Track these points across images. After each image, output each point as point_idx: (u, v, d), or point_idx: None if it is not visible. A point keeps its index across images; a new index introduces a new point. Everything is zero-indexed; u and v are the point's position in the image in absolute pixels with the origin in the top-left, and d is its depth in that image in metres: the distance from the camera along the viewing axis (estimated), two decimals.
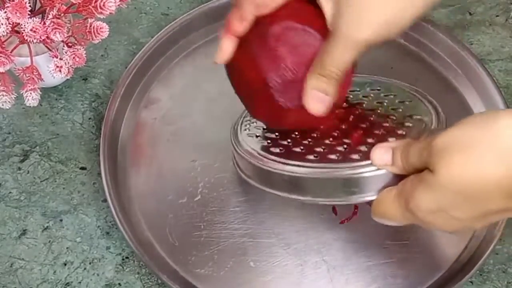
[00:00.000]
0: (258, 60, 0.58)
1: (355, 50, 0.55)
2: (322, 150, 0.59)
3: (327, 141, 0.60)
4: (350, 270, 0.66)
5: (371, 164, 0.55)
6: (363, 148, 0.57)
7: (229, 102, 0.73)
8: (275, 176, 0.59)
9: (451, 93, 0.76)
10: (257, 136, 0.63)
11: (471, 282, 0.66)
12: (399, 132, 0.58)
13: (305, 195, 0.59)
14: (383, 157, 0.55)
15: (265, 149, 0.61)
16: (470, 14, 0.83)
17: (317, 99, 0.56)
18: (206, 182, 0.71)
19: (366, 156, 0.55)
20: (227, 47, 0.59)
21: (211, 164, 0.72)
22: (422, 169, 0.51)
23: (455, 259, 0.66)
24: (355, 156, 0.57)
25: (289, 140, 0.61)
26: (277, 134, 0.62)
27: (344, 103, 0.62)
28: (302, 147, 0.60)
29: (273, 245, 0.67)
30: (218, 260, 0.66)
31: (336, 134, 0.60)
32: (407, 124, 0.59)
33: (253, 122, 0.65)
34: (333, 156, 0.58)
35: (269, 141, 0.62)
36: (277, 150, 0.60)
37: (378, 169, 0.55)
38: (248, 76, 0.59)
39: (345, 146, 0.58)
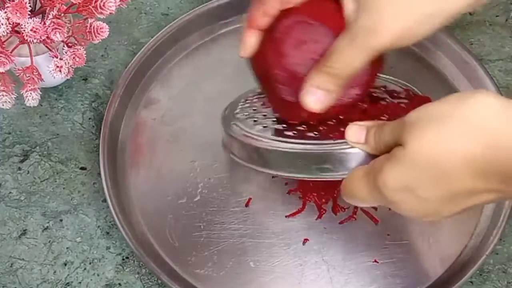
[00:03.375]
0: (266, 53, 0.58)
1: (366, 55, 0.54)
2: (302, 128, 0.60)
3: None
4: (350, 270, 0.66)
5: (345, 143, 0.55)
6: (342, 128, 0.57)
7: (228, 102, 0.73)
8: (256, 151, 0.61)
9: (451, 93, 0.76)
10: (245, 115, 0.65)
11: (471, 282, 0.66)
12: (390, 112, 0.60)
13: (277, 170, 0.60)
14: (357, 135, 0.54)
15: (250, 126, 0.63)
16: (470, 14, 0.83)
17: (315, 96, 0.56)
18: (205, 182, 0.71)
19: (342, 135, 0.56)
20: (250, 42, 0.60)
21: (210, 164, 0.72)
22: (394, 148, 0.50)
23: (455, 259, 0.66)
24: (332, 135, 0.58)
25: (274, 119, 0.63)
26: (264, 114, 0.64)
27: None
28: (284, 125, 0.61)
29: (273, 245, 0.67)
30: (218, 260, 0.66)
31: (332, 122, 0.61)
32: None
33: (247, 103, 0.67)
34: (311, 134, 0.59)
35: (255, 119, 0.64)
36: (260, 127, 0.62)
37: (352, 147, 0.55)
38: (258, 69, 0.60)
39: (324, 127, 0.59)
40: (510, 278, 0.66)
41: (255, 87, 0.67)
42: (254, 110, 0.66)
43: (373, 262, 0.66)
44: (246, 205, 0.69)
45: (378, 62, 0.58)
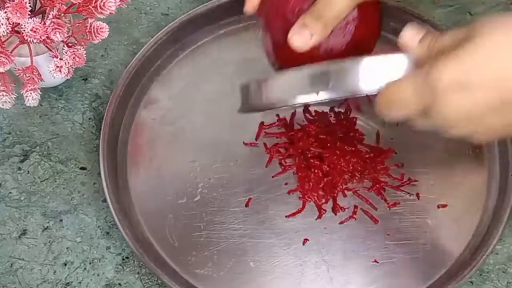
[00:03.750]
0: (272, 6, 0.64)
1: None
2: None
3: None
4: (350, 270, 0.66)
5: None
6: None
7: (228, 102, 0.73)
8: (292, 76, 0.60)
9: None
10: None
11: (471, 282, 0.66)
12: None
13: (322, 89, 0.57)
14: (414, 35, 0.53)
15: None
16: (470, 14, 0.83)
17: (299, 33, 0.60)
18: (205, 182, 0.71)
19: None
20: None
21: (210, 164, 0.72)
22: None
23: (455, 259, 0.66)
24: None
25: None
26: None
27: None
28: None
29: (273, 245, 0.67)
30: (218, 260, 0.66)
31: None
32: None
33: None
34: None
35: None
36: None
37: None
38: (274, 13, 0.64)
39: None
40: (510, 278, 0.66)
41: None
42: None
43: (373, 262, 0.66)
44: (246, 205, 0.69)
45: (371, 23, 0.63)
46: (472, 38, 0.47)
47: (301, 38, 0.60)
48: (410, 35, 0.54)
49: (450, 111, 0.48)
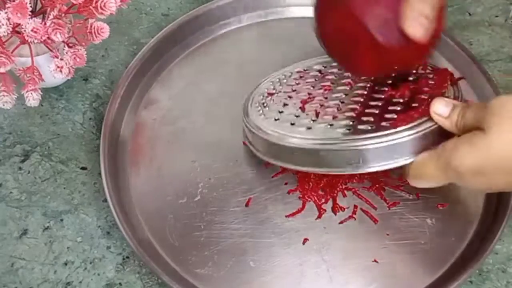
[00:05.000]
0: (352, 7, 0.58)
1: None
2: (352, 123, 0.62)
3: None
4: (350, 270, 0.66)
5: (408, 129, 0.59)
6: (388, 115, 0.61)
7: (229, 102, 0.74)
8: (297, 151, 0.63)
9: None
10: (276, 120, 0.66)
11: (471, 281, 0.66)
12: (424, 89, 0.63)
13: (324, 168, 0.62)
14: (443, 108, 0.58)
15: (291, 129, 0.64)
16: (469, 14, 0.83)
17: (418, 22, 0.57)
18: (205, 182, 0.71)
19: (398, 122, 0.59)
20: None
21: (210, 164, 0.72)
22: (470, 131, 0.54)
23: (454, 259, 0.66)
24: (385, 124, 0.60)
25: (313, 118, 0.65)
26: (297, 115, 0.66)
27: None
28: (330, 123, 0.63)
29: (273, 244, 0.67)
30: (218, 260, 0.66)
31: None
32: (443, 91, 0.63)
33: (264, 107, 0.69)
34: (363, 127, 0.61)
35: (292, 122, 0.65)
36: (305, 129, 0.64)
37: (411, 135, 0.58)
38: (344, 27, 0.60)
39: (371, 116, 0.62)
40: (509, 277, 0.67)
41: (264, 80, 0.69)
42: (281, 112, 0.67)
43: (373, 262, 0.66)
44: (246, 205, 0.69)
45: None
46: (486, 128, 0.53)
47: (419, 25, 0.57)
48: (440, 108, 0.58)
49: (472, 186, 0.57)
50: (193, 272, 0.66)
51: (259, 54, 0.78)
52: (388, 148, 0.59)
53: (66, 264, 0.67)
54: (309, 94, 0.68)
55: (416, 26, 0.57)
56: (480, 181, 0.55)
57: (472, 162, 0.54)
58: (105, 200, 0.69)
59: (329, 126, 0.63)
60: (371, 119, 0.62)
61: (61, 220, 0.70)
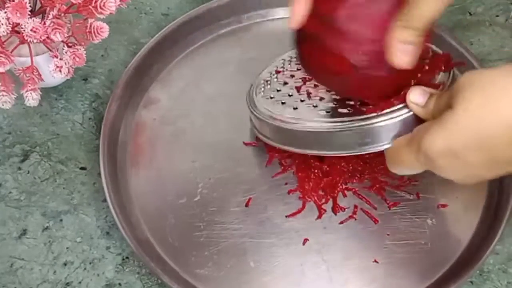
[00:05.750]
0: (337, 48, 0.57)
1: (443, 2, 0.54)
2: (333, 105, 0.62)
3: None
4: (350, 270, 0.66)
5: (382, 115, 0.58)
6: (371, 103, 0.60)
7: (229, 102, 0.74)
8: (291, 133, 0.63)
9: None
10: (271, 98, 0.67)
11: (471, 282, 0.66)
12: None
13: (320, 149, 0.63)
14: (419, 98, 0.57)
15: (281, 109, 0.65)
16: (470, 14, 0.83)
17: (404, 51, 0.56)
18: (205, 182, 0.71)
19: (377, 107, 0.59)
20: (299, 11, 0.58)
21: (210, 164, 0.72)
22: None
23: (455, 259, 0.66)
24: (365, 109, 0.60)
25: (302, 99, 0.65)
26: (290, 94, 0.66)
27: None
28: (314, 104, 0.63)
29: (273, 245, 0.67)
30: (218, 260, 0.66)
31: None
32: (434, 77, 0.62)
33: (268, 85, 0.69)
34: (344, 110, 0.61)
35: (283, 101, 0.66)
36: (291, 109, 0.64)
37: (391, 119, 0.58)
38: (333, 67, 0.58)
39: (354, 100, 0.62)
40: (510, 278, 0.66)
41: (267, 68, 0.70)
42: (279, 90, 0.67)
43: (373, 262, 0.66)
44: (246, 205, 0.69)
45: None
46: (454, 105, 0.51)
47: (405, 53, 0.56)
48: (416, 97, 0.57)
49: (446, 172, 0.54)
50: (193, 272, 0.66)
51: (259, 54, 0.77)
52: (362, 132, 0.59)
53: (65, 264, 0.67)
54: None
55: (402, 56, 0.56)
56: (454, 164, 0.52)
57: (442, 142, 0.51)
58: (105, 200, 0.69)
59: (312, 108, 0.63)
60: (352, 102, 0.62)
61: (61, 220, 0.70)
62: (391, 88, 0.60)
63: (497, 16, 0.83)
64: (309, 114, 0.63)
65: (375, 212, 0.68)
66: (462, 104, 0.50)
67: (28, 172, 0.72)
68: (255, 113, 0.67)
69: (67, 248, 0.68)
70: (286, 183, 0.70)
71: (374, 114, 0.59)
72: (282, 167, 0.70)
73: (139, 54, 0.76)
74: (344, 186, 0.69)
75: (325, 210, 0.68)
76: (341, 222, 0.68)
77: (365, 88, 0.60)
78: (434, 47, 0.65)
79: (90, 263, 0.67)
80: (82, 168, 0.73)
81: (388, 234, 0.67)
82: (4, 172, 0.72)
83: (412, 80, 0.61)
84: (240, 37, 0.81)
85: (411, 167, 0.57)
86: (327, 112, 0.62)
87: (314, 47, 0.59)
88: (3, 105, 0.67)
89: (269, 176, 0.70)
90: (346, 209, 0.68)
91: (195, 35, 0.80)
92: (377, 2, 0.56)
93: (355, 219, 0.68)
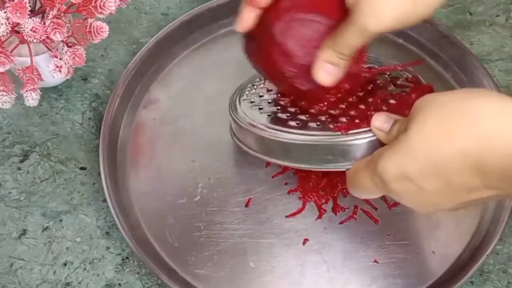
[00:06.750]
0: (271, 56, 0.60)
1: (366, 37, 0.56)
2: (305, 118, 0.62)
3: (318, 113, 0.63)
4: (350, 270, 0.66)
5: (349, 135, 0.58)
6: (343, 119, 0.60)
7: (229, 102, 0.73)
8: (260, 139, 0.63)
9: None
10: (252, 102, 0.67)
11: (471, 282, 0.66)
12: (391, 102, 0.61)
13: (283, 160, 0.63)
14: (384, 123, 0.56)
15: (256, 115, 0.65)
16: (470, 14, 0.83)
17: (326, 71, 0.58)
18: (205, 182, 0.71)
19: (344, 128, 0.59)
20: (247, 18, 0.61)
21: (210, 164, 0.72)
22: None
23: (455, 259, 0.66)
24: (332, 126, 0.60)
25: (278, 107, 0.65)
26: (270, 101, 0.66)
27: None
28: (288, 115, 0.63)
29: (273, 245, 0.67)
30: (218, 260, 0.66)
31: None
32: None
33: (253, 89, 0.69)
34: (313, 125, 0.61)
35: (260, 107, 0.66)
36: (265, 116, 0.64)
37: (355, 140, 0.58)
38: (266, 69, 0.62)
39: (326, 116, 0.62)
40: (510, 278, 0.66)
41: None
42: (261, 96, 0.67)
43: (373, 262, 0.66)
44: (246, 205, 0.69)
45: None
46: (408, 128, 0.50)
47: (327, 72, 0.58)
48: (381, 123, 0.56)
49: (403, 198, 0.53)
50: (193, 272, 0.66)
51: None
52: (326, 148, 0.59)
53: (65, 264, 0.67)
54: None
55: (324, 74, 0.58)
56: (409, 189, 0.50)
57: (395, 165, 0.50)
58: (105, 200, 0.69)
59: (285, 117, 0.63)
60: (323, 118, 0.61)
61: (60, 220, 0.70)
62: (319, 99, 0.62)
63: (497, 16, 0.83)
64: (280, 123, 0.62)
65: (375, 212, 0.68)
66: (416, 128, 0.49)
67: (28, 172, 0.72)
68: (232, 114, 0.67)
69: (67, 248, 0.68)
70: (286, 183, 0.70)
71: (340, 133, 0.58)
72: (282, 167, 0.70)
73: (139, 54, 0.76)
74: (344, 186, 0.69)
75: (325, 210, 0.68)
76: (341, 222, 0.68)
77: (296, 93, 0.63)
78: (420, 77, 0.66)
79: (90, 263, 0.67)
80: (82, 168, 0.73)
81: (388, 234, 0.67)
82: (4, 172, 0.72)
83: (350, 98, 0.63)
84: (240, 37, 0.80)
85: (368, 191, 0.55)
86: (297, 124, 0.62)
87: (255, 48, 0.62)
88: (3, 105, 0.67)
89: (269, 176, 0.70)
90: (346, 209, 0.68)
91: (195, 35, 0.80)
92: (313, 22, 0.59)
93: (355, 219, 0.68)
